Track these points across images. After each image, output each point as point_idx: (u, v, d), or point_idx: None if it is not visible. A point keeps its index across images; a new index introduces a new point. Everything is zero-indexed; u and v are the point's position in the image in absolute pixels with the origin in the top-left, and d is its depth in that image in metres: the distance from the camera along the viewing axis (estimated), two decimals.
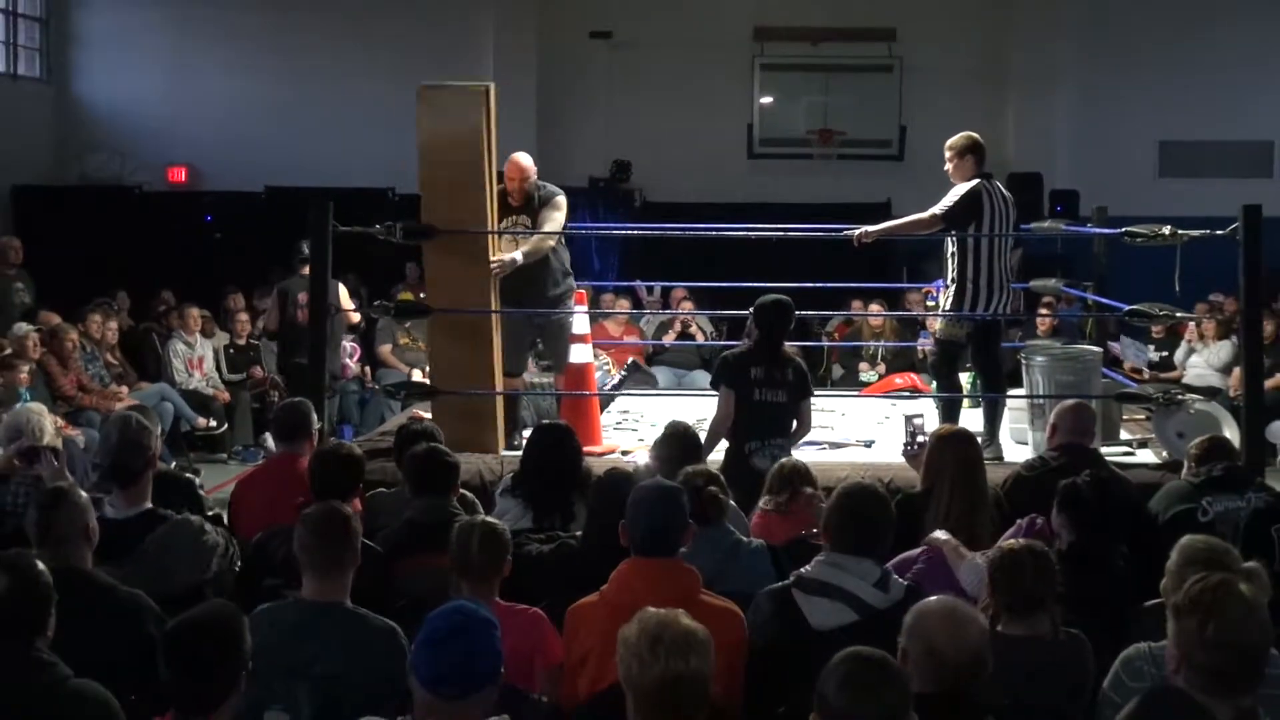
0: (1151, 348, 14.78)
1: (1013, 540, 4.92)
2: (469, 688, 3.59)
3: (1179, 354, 14.39)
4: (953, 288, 8.74)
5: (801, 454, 8.77)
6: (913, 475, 6.95)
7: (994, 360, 8.96)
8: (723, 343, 13.69)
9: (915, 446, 7.02)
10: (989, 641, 3.85)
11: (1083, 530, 5.54)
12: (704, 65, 19.29)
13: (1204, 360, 13.94)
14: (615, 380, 10.54)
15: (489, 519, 5.15)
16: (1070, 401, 7.41)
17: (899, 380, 12.28)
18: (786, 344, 7.85)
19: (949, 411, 8.78)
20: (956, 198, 8.67)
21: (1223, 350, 13.78)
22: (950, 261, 8.77)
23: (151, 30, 19.49)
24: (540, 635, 4.81)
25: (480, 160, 8.52)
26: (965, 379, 10.91)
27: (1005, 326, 9.63)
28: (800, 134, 19.33)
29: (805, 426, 7.84)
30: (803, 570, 4.81)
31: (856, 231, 8.92)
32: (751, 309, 7.84)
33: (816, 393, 11.33)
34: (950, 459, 6.24)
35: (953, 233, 8.68)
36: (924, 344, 11.66)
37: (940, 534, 5.65)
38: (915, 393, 11.47)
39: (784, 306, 7.75)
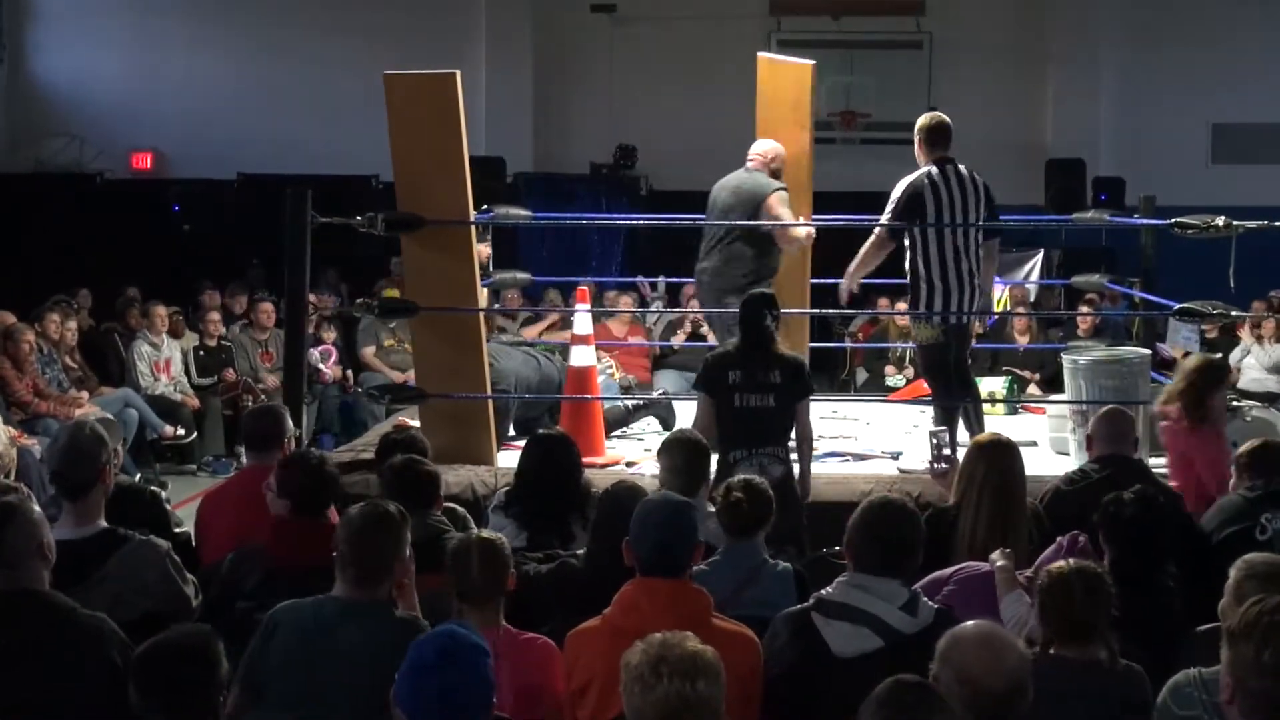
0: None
1: (1062, 562, 4.89)
2: (455, 719, 3.60)
3: (1234, 355, 14.33)
4: (910, 289, 8.70)
5: (823, 467, 8.81)
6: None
7: (960, 366, 8.88)
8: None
9: (942, 463, 7.02)
10: (1029, 670, 3.83)
11: (1125, 549, 5.53)
12: (715, 41, 19.29)
13: (1256, 361, 13.88)
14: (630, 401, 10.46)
15: (485, 533, 5.14)
16: (1105, 408, 7.39)
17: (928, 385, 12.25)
18: (780, 343, 7.75)
19: (946, 418, 8.71)
20: (892, 202, 8.72)
21: (1277, 351, 13.74)
22: (905, 260, 8.74)
23: (114, 4, 19.52)
24: (550, 668, 4.79)
25: (456, 150, 8.52)
26: (1001, 383, 10.92)
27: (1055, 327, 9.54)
28: (821, 116, 19.27)
29: (806, 432, 7.71)
30: (823, 592, 4.80)
31: (844, 289, 9.16)
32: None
33: (838, 398, 11.39)
34: (984, 470, 6.22)
35: (909, 232, 8.65)
36: None
37: (998, 557, 5.62)
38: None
39: (759, 300, 7.70)
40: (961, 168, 8.64)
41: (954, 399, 8.69)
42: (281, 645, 4.56)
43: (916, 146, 8.79)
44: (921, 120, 8.84)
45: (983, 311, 8.74)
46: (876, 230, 8.81)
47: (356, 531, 4.74)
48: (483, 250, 12.49)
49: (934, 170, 8.60)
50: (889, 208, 8.71)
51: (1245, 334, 14.18)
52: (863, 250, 8.96)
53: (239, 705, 4.44)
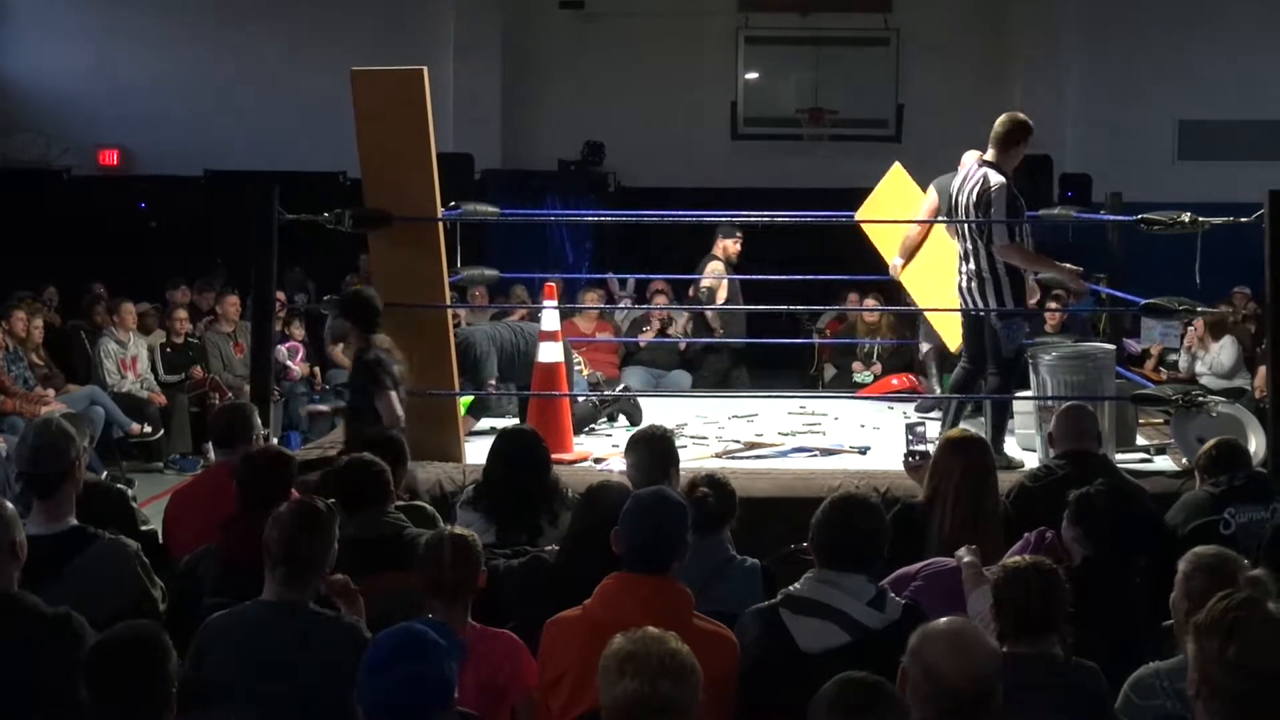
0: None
1: (1018, 557, 4.91)
2: (410, 716, 3.61)
3: (1182, 362, 14.27)
4: None
5: (793, 462, 8.82)
6: (912, 484, 6.96)
7: (998, 359, 8.88)
8: (704, 340, 13.69)
9: (917, 457, 7.03)
10: (999, 669, 3.80)
11: (1098, 544, 5.53)
12: (684, 38, 19.32)
13: (1205, 367, 13.79)
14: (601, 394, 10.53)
15: (458, 529, 5.14)
16: (1066, 404, 7.44)
17: (895, 382, 12.27)
18: None
19: (951, 416, 8.77)
20: None
21: (1223, 353, 13.69)
22: None
23: (81, 0, 19.44)
24: (516, 663, 4.79)
25: (423, 146, 8.50)
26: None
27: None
28: (789, 113, 19.38)
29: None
30: (791, 588, 4.80)
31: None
32: (342, 306, 8.44)
33: (808, 394, 11.41)
34: (957, 466, 6.23)
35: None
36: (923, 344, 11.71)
37: (965, 554, 5.63)
38: (914, 395, 11.50)
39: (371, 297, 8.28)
40: (973, 166, 8.69)
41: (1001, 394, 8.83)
42: (215, 656, 4.56)
43: None
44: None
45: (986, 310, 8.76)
46: None
47: (285, 530, 4.73)
48: (730, 246, 12.54)
49: (958, 171, 8.74)
50: None
51: (1191, 339, 14.08)
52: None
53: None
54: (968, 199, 8.60)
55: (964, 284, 8.68)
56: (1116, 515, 5.60)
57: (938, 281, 9.67)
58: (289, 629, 4.60)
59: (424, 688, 3.62)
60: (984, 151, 8.76)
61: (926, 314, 10.26)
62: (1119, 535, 5.59)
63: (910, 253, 10.14)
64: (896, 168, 10.97)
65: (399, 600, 4.98)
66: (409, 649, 3.65)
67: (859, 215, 10.81)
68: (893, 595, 4.81)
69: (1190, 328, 13.85)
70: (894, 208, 10.65)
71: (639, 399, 10.61)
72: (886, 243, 10.52)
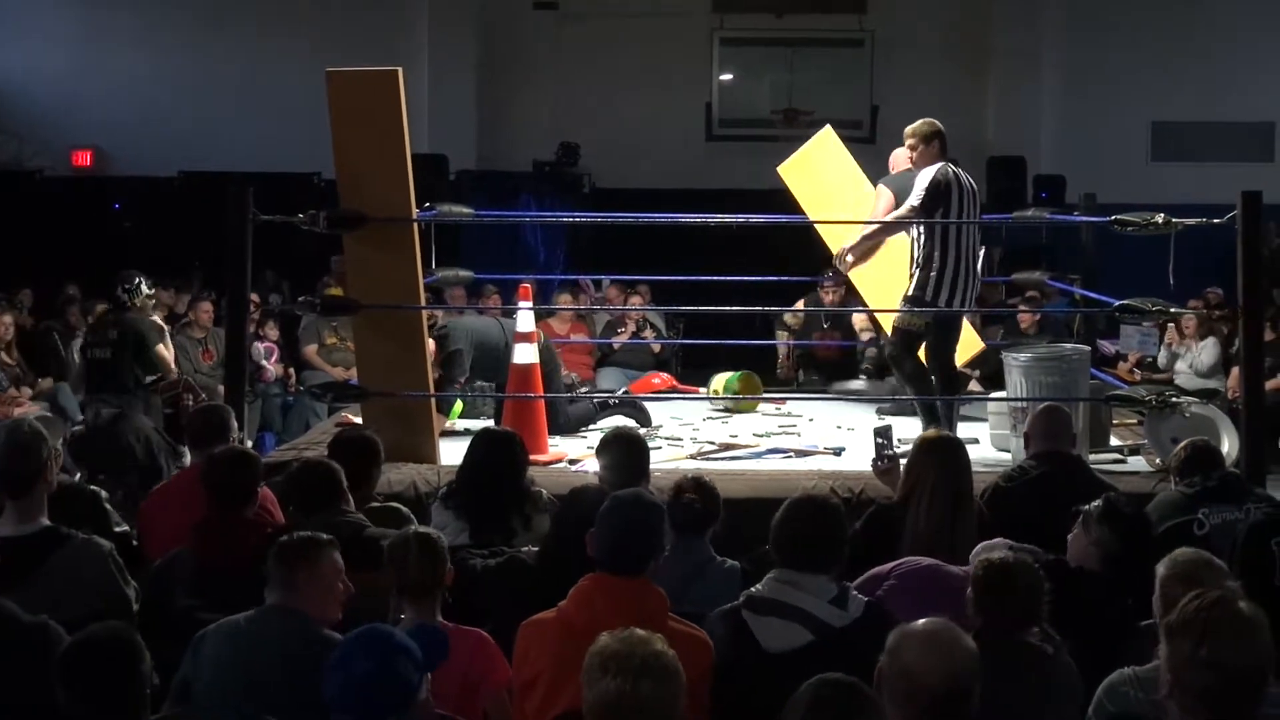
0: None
1: (999, 553, 4.90)
2: (369, 715, 3.67)
3: (1161, 358, 14.30)
4: (916, 274, 8.75)
5: (768, 463, 8.83)
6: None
7: (948, 359, 8.96)
8: (679, 341, 13.69)
9: (885, 461, 7.05)
10: (977, 670, 3.78)
11: (1128, 550, 5.53)
12: (659, 39, 19.31)
13: (1187, 365, 13.82)
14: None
15: (422, 528, 5.18)
16: (1042, 405, 7.47)
17: (656, 380, 12.07)
18: None
19: (924, 411, 8.79)
20: (926, 184, 8.75)
21: (1205, 352, 13.73)
22: (915, 246, 8.79)
23: (54, 0, 19.39)
24: (486, 659, 4.80)
25: (398, 147, 8.49)
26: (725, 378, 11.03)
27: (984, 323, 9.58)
28: (764, 114, 19.39)
29: None
30: (753, 589, 4.81)
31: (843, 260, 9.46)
32: None
33: (779, 394, 11.42)
34: (932, 465, 6.24)
35: (918, 221, 8.74)
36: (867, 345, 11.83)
37: None
38: (674, 393, 11.46)
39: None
40: (959, 171, 8.74)
41: (920, 393, 8.81)
42: (210, 656, 4.58)
43: (922, 148, 8.91)
44: (926, 125, 8.92)
45: (958, 310, 8.77)
46: (912, 205, 8.84)
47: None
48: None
49: (950, 167, 8.69)
50: (920, 194, 8.76)
51: (1171, 336, 14.13)
52: (869, 231, 9.11)
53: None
54: (976, 202, 8.78)
55: (974, 292, 8.72)
56: (1146, 521, 5.67)
57: (890, 285, 9.68)
58: (276, 632, 4.60)
59: (383, 688, 3.68)
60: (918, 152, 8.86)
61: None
62: (1148, 541, 5.63)
63: (868, 252, 10.10)
64: (828, 130, 11.00)
65: (365, 600, 4.98)
66: (365, 649, 3.72)
67: (781, 169, 10.84)
68: (855, 593, 4.81)
69: (1171, 325, 13.87)
70: (824, 171, 10.69)
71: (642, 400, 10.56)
72: (813, 203, 10.60)
